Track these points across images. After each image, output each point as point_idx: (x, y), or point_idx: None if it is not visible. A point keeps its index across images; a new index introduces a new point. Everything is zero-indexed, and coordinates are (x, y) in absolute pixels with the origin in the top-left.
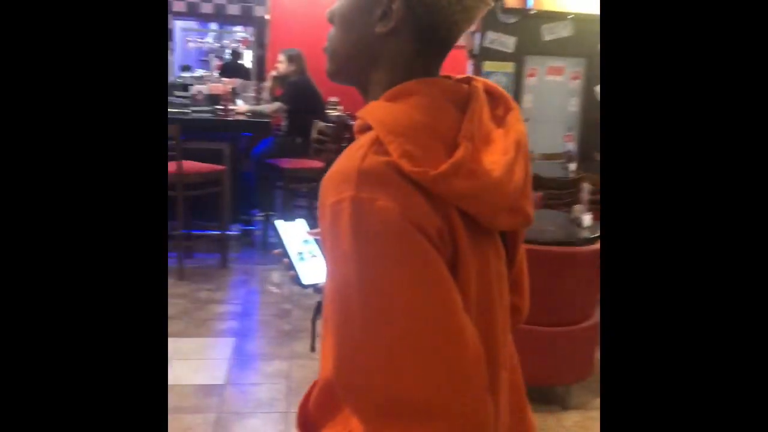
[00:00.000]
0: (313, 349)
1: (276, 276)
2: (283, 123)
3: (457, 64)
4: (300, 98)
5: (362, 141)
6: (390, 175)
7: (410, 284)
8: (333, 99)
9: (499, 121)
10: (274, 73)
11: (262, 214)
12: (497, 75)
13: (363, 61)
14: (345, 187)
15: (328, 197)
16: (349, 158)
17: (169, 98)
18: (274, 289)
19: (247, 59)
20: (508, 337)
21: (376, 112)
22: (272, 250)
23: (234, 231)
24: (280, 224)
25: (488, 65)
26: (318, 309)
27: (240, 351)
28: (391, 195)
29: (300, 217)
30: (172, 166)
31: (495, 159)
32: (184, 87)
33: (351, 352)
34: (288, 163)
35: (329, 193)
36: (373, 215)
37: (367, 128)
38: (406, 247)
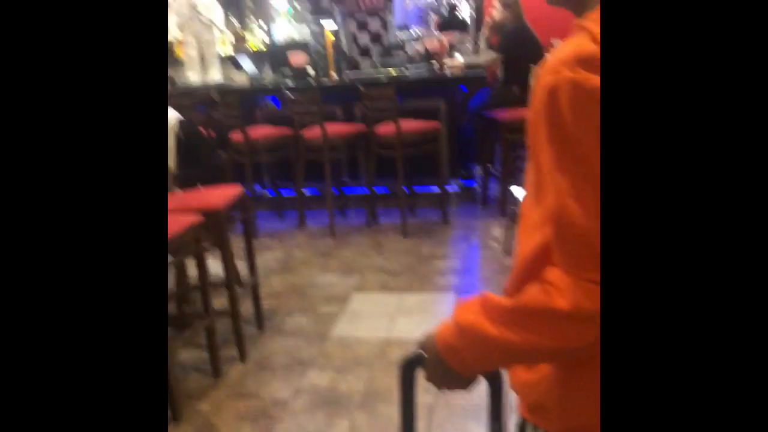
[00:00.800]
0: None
1: (497, 231)
2: (499, 73)
3: None
4: (516, 46)
5: (578, 35)
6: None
7: None
8: (555, 40)
9: None
10: (489, 20)
11: (482, 168)
12: None
13: None
14: (563, 69)
15: (547, 77)
16: (566, 47)
17: (386, 59)
18: (495, 245)
19: (465, 11)
20: None
21: (592, 16)
22: (493, 205)
23: (454, 187)
24: (515, 189)
25: None
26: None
27: None
28: None
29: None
30: (390, 127)
31: None
32: (401, 47)
33: (570, 204)
34: (505, 115)
35: (548, 74)
36: (588, 92)
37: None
38: None
